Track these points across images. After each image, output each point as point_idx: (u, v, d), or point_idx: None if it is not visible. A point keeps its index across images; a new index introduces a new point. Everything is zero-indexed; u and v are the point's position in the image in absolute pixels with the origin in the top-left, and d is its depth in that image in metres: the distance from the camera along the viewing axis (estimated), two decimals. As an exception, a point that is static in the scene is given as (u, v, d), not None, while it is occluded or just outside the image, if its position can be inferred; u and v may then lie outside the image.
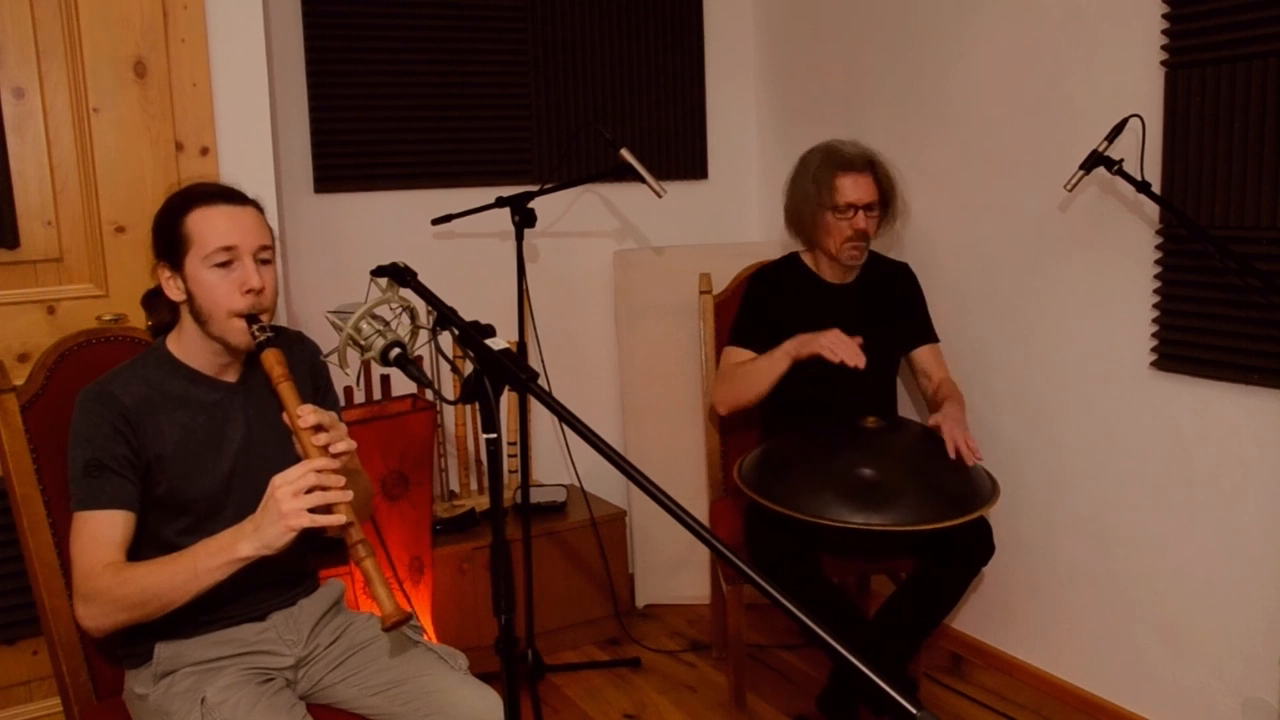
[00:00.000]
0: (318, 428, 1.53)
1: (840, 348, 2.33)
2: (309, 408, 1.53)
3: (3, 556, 2.22)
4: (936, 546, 2.32)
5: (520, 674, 2.63)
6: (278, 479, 1.47)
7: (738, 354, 2.61)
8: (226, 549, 1.49)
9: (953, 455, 2.31)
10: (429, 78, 3.03)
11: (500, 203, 2.68)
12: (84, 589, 1.55)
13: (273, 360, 1.58)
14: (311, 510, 1.45)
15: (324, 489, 1.46)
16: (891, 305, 2.66)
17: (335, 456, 1.51)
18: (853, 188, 2.48)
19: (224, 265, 1.61)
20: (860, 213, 2.49)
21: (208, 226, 1.61)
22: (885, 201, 2.55)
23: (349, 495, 1.48)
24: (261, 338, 1.60)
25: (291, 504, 1.44)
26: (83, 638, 1.75)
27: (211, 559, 1.50)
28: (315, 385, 1.82)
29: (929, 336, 2.70)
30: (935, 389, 2.62)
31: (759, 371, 2.48)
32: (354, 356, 1.42)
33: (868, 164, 2.50)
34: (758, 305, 2.64)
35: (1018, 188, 2.65)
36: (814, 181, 2.52)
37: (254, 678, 1.66)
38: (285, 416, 1.54)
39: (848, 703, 2.36)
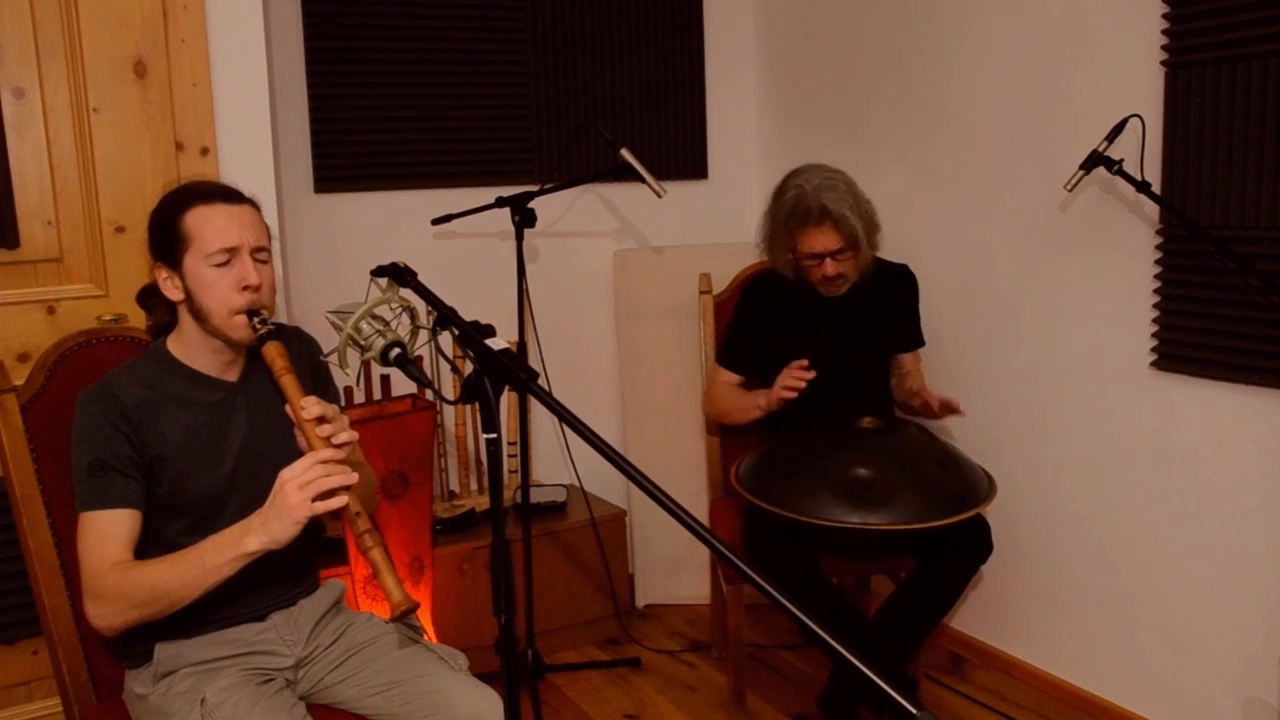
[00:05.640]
0: (320, 419, 1.53)
1: (790, 380, 2.37)
2: (312, 399, 1.54)
3: (3, 556, 2.22)
4: (935, 546, 2.33)
5: (520, 674, 2.63)
6: (285, 473, 1.47)
7: (721, 375, 2.69)
8: (234, 543, 1.50)
9: (939, 410, 2.44)
10: (429, 78, 3.03)
11: (500, 203, 2.68)
12: (93, 588, 1.55)
13: (274, 353, 1.58)
14: (316, 498, 1.45)
15: (330, 478, 1.46)
16: (886, 308, 2.67)
17: (339, 447, 1.51)
18: (815, 239, 2.47)
19: (223, 265, 1.61)
20: (827, 260, 2.49)
21: (207, 226, 1.61)
22: (854, 244, 2.49)
23: (354, 478, 1.48)
24: (263, 330, 1.60)
25: (299, 496, 1.45)
26: (83, 638, 1.75)
27: (219, 554, 1.50)
28: (315, 380, 1.82)
29: (916, 342, 2.72)
30: (908, 384, 2.65)
31: (738, 410, 2.60)
32: (354, 356, 1.42)
33: (825, 216, 2.44)
34: (746, 324, 2.68)
35: (1018, 187, 2.65)
36: (776, 234, 2.55)
37: (254, 678, 1.66)
38: (288, 408, 1.54)
39: (848, 703, 2.36)
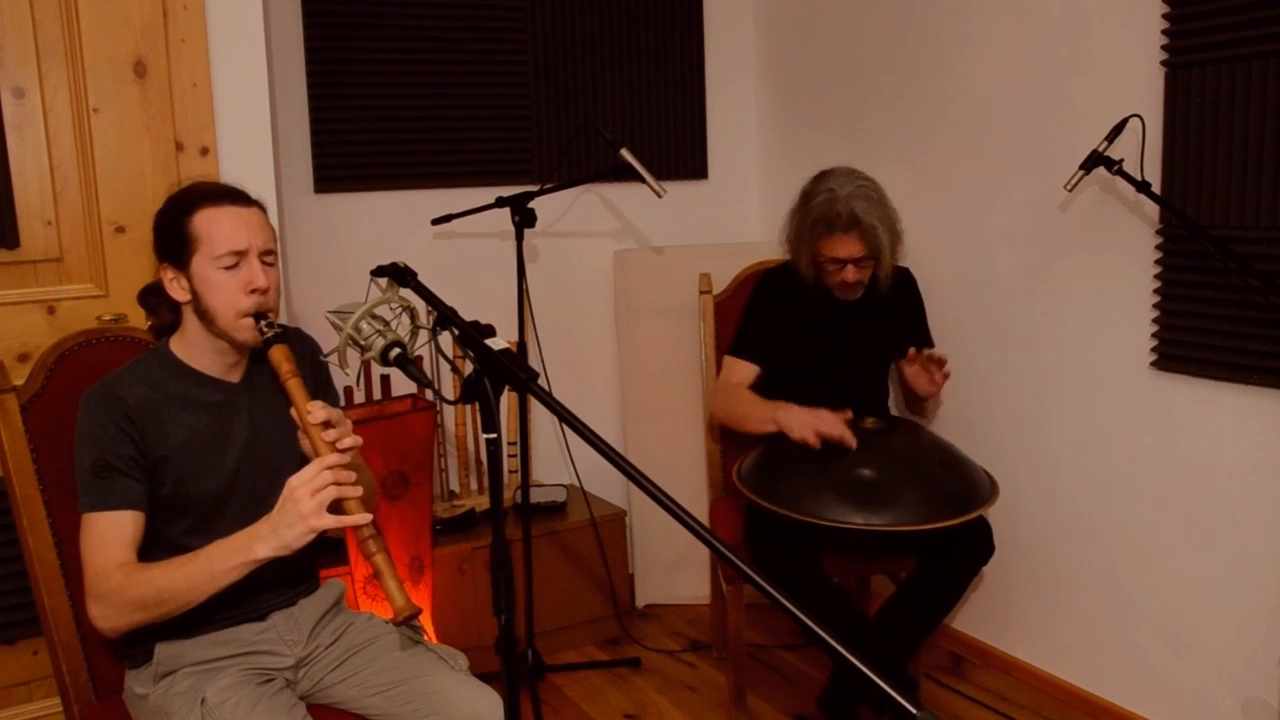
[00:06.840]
0: (326, 424, 1.53)
1: (831, 429, 2.30)
2: (318, 404, 1.54)
3: (3, 556, 2.22)
4: (936, 546, 2.33)
5: (520, 674, 2.63)
6: (294, 480, 1.47)
7: (738, 368, 2.63)
8: (243, 550, 1.50)
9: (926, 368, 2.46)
10: (429, 78, 3.03)
11: (500, 203, 2.68)
12: (97, 589, 1.55)
13: (280, 356, 1.58)
14: (329, 510, 1.46)
15: (338, 485, 1.46)
16: (893, 312, 2.66)
17: (343, 452, 1.52)
18: (840, 247, 2.46)
19: (231, 267, 1.61)
20: (849, 266, 2.49)
21: (216, 228, 1.61)
22: (877, 254, 2.49)
23: (359, 491, 1.48)
24: (269, 334, 1.60)
25: (310, 504, 1.45)
26: (83, 638, 1.75)
27: (228, 560, 1.50)
28: (316, 381, 1.82)
29: (926, 345, 2.71)
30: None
31: (751, 418, 2.50)
32: (354, 356, 1.42)
33: (853, 224, 2.44)
34: (760, 314, 2.66)
35: (1018, 188, 2.65)
36: (802, 234, 2.52)
37: (254, 678, 1.66)
38: (293, 412, 1.54)
39: (848, 703, 2.36)
